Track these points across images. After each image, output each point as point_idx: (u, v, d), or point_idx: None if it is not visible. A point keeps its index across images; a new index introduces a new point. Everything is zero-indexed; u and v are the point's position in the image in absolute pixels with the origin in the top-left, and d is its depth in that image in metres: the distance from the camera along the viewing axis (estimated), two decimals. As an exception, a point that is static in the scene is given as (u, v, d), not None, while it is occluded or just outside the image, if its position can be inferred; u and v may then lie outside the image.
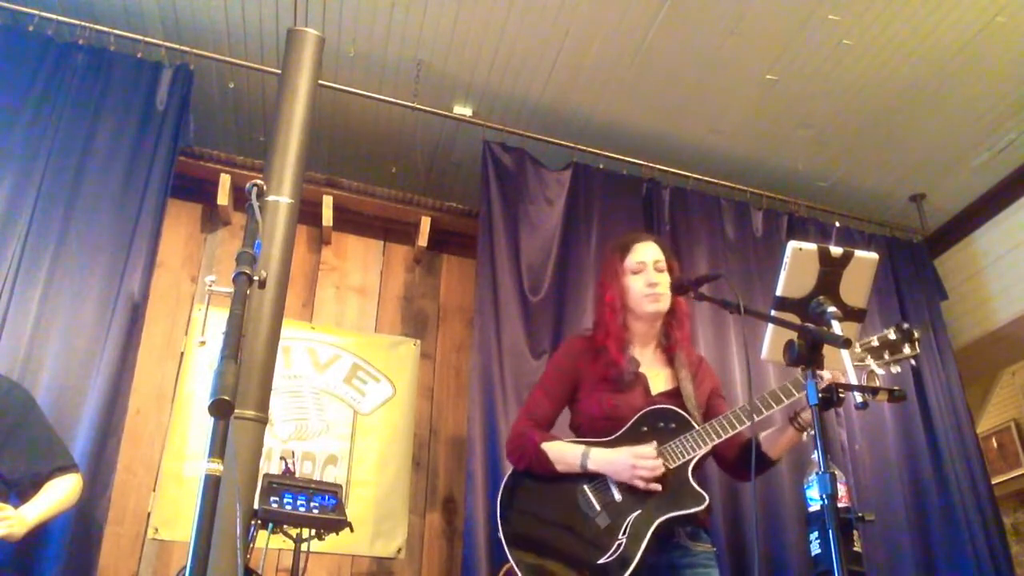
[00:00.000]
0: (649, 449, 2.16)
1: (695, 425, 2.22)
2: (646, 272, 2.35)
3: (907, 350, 2.14)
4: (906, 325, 2.18)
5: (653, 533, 2.09)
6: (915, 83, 3.59)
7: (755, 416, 2.16)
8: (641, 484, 2.13)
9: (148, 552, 3.02)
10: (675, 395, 2.33)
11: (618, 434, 2.24)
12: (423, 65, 3.58)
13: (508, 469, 3.02)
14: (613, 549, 2.08)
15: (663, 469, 2.14)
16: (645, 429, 2.24)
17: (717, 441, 2.18)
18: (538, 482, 2.25)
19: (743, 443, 2.29)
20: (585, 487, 2.20)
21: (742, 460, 2.30)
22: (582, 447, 2.23)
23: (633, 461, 2.14)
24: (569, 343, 2.54)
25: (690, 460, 2.17)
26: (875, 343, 2.16)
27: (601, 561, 2.07)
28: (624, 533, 2.10)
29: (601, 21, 3.35)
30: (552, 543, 2.15)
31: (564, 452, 2.23)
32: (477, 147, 3.76)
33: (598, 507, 2.16)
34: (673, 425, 2.24)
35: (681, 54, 3.50)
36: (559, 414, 2.41)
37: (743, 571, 3.17)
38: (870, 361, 2.15)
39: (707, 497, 2.15)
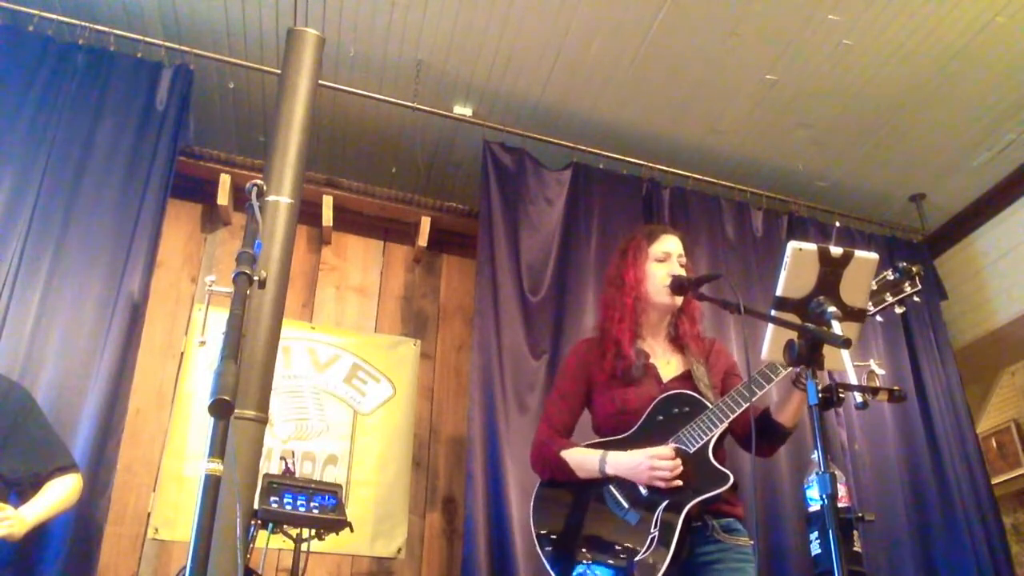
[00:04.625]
0: (666, 449, 2.14)
1: (709, 405, 2.20)
2: (670, 262, 2.35)
3: (908, 287, 2.13)
4: (903, 263, 2.16)
5: (684, 521, 2.07)
6: (915, 83, 3.60)
7: (765, 384, 2.14)
8: (662, 484, 2.11)
9: (148, 552, 3.02)
10: (687, 378, 2.31)
11: (635, 428, 2.23)
12: (423, 65, 3.58)
13: (508, 469, 3.07)
14: (648, 544, 2.06)
15: (681, 468, 2.11)
16: (661, 418, 2.22)
17: (732, 417, 2.15)
18: (564, 489, 2.24)
19: (756, 417, 2.23)
20: (611, 486, 2.19)
21: (757, 434, 2.21)
22: (599, 452, 2.21)
23: (650, 463, 2.11)
24: (575, 346, 2.55)
25: (708, 441, 2.15)
26: (874, 287, 2.12)
27: (639, 558, 2.06)
28: (655, 526, 2.08)
29: (601, 21, 3.35)
30: (589, 548, 2.13)
31: (583, 459, 2.22)
32: (477, 147, 3.76)
33: (626, 504, 2.15)
34: (688, 409, 2.22)
35: (681, 54, 3.50)
36: (579, 417, 2.40)
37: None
38: (871, 306, 2.10)
39: (731, 476, 2.11)
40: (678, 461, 2.12)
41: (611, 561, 2.08)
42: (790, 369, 2.13)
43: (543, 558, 2.16)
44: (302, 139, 2.76)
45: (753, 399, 2.15)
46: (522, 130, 3.80)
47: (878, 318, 2.19)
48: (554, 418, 2.36)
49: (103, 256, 2.96)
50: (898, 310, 2.18)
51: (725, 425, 2.16)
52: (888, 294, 2.14)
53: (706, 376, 2.30)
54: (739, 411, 2.16)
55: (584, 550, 2.12)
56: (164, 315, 3.37)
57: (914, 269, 2.14)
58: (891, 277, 2.14)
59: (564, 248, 3.65)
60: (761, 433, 2.17)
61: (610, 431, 2.28)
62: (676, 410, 2.23)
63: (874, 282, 2.12)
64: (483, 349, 3.31)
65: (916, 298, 2.18)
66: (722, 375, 2.38)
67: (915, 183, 4.25)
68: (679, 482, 2.11)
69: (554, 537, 2.17)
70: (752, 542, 2.20)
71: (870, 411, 3.61)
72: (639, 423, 2.24)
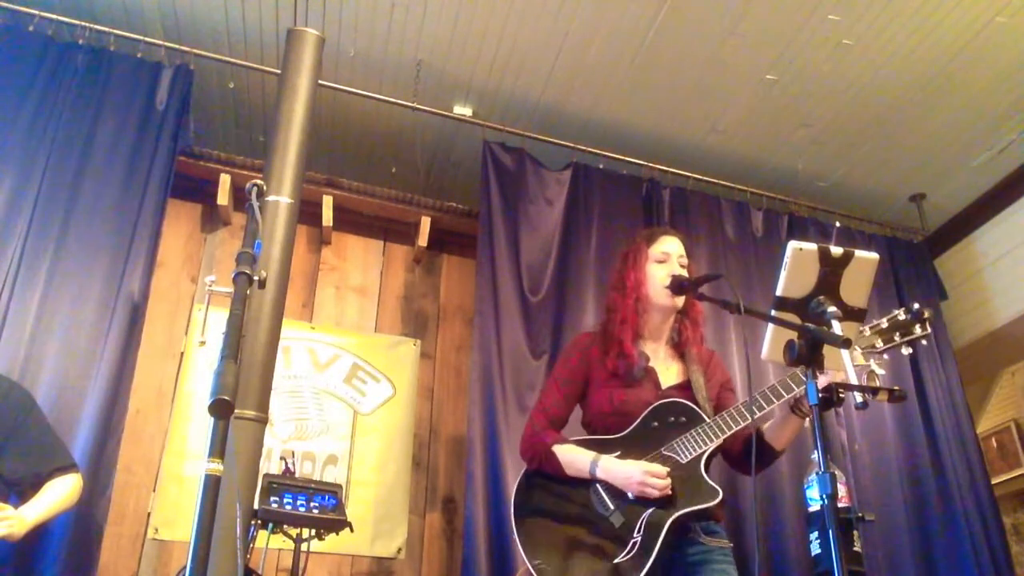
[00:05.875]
0: (661, 469, 2.14)
1: (705, 418, 2.21)
2: (670, 263, 2.35)
3: (918, 330, 2.14)
4: (916, 305, 2.17)
5: (668, 529, 2.08)
6: (915, 83, 3.59)
7: (766, 406, 2.15)
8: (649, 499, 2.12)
9: (148, 552, 3.02)
10: (685, 388, 2.31)
11: (628, 431, 2.24)
12: (423, 65, 3.58)
13: (508, 469, 3.07)
14: (629, 548, 2.07)
15: (670, 491, 2.12)
16: (655, 424, 2.23)
17: (728, 434, 2.16)
18: (551, 482, 2.25)
19: (747, 437, 2.26)
20: (597, 485, 2.20)
21: (747, 453, 2.27)
22: (592, 454, 2.21)
23: (642, 478, 2.11)
24: (577, 339, 2.54)
25: (702, 454, 2.16)
26: (884, 324, 2.15)
27: (618, 560, 2.06)
28: (639, 531, 2.09)
29: (601, 21, 3.35)
30: (568, 544, 2.13)
31: (574, 457, 2.22)
32: (477, 147, 3.76)
33: (611, 506, 2.15)
34: (684, 419, 2.22)
35: (681, 54, 3.50)
36: (573, 409, 2.40)
37: (743, 571, 3.15)
38: (879, 343, 2.14)
39: (720, 491, 2.13)
40: (668, 481, 2.12)
41: (589, 561, 2.09)
42: (795, 392, 2.15)
43: (520, 548, 2.16)
44: (302, 139, 2.76)
45: (753, 418, 2.16)
46: (522, 130, 3.80)
47: (885, 356, 2.19)
48: (550, 408, 2.36)
49: (103, 256, 2.96)
50: (905, 351, 2.19)
51: (721, 440, 2.17)
52: (897, 334, 2.15)
53: (704, 388, 2.31)
54: (736, 429, 2.17)
55: (562, 546, 2.12)
56: (164, 315, 3.37)
57: (926, 313, 2.14)
58: (902, 317, 2.15)
59: (564, 248, 3.64)
60: (751, 453, 2.17)
61: (601, 429, 2.29)
62: (672, 419, 2.23)
63: (885, 320, 2.15)
64: (483, 349, 3.31)
65: (924, 341, 2.18)
66: (717, 388, 2.38)
67: (915, 183, 4.25)
68: (668, 492, 2.12)
69: (533, 531, 2.17)
70: (731, 544, 2.23)
71: (870, 411, 3.62)
72: (632, 426, 2.24)
